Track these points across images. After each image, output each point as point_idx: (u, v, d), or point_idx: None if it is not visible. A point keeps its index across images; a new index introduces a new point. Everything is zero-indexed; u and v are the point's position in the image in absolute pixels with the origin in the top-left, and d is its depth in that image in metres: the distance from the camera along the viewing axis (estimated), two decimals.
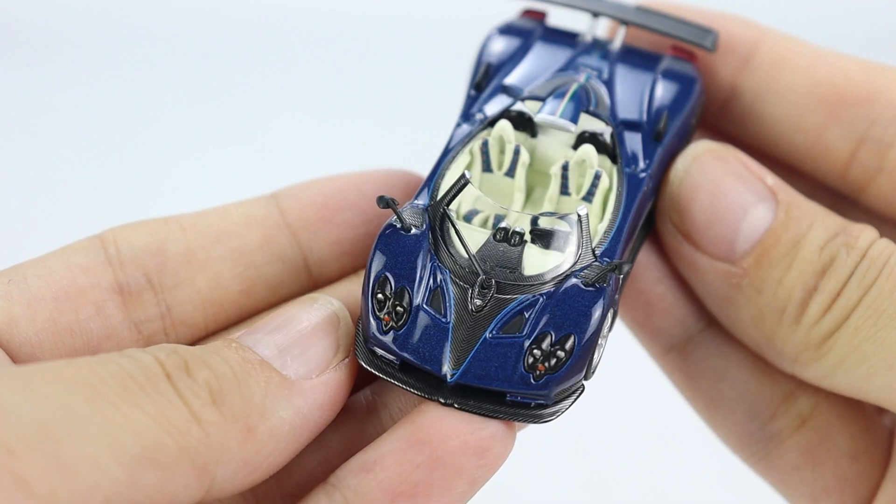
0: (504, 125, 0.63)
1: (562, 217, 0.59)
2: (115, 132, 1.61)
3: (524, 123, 0.64)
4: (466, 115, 0.65)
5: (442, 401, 0.54)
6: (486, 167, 0.64)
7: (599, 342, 0.56)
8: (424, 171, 0.62)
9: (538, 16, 0.72)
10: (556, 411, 0.55)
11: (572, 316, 0.54)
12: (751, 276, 0.60)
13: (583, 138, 0.63)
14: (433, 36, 1.71)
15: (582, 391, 0.56)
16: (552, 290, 0.55)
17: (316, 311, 0.55)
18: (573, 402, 0.56)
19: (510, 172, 0.64)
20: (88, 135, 1.60)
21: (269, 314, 0.56)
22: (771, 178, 0.62)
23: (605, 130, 0.63)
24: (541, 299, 0.55)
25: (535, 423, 0.55)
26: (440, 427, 0.52)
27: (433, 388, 0.54)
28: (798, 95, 0.67)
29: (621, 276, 0.57)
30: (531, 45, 0.69)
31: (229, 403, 0.48)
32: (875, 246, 0.58)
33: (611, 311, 0.57)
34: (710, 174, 0.62)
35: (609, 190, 0.61)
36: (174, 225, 0.60)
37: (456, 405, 0.54)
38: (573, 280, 0.55)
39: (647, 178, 0.61)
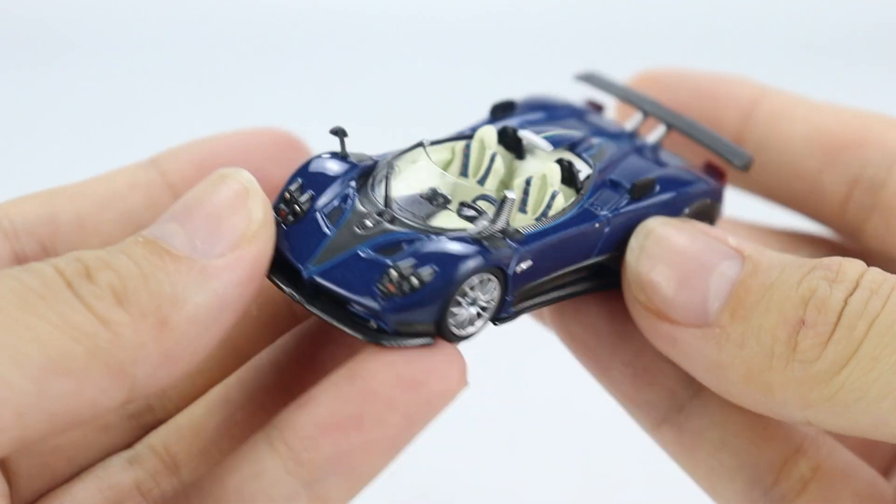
0: (488, 130, 0.64)
1: (493, 200, 0.61)
2: (114, 133, 1.62)
3: (512, 144, 0.66)
4: (471, 130, 0.67)
5: (296, 297, 0.55)
6: (464, 171, 0.65)
7: (471, 307, 0.56)
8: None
9: (597, 108, 0.75)
10: (393, 341, 0.54)
11: (444, 257, 0.54)
12: (729, 331, 0.57)
13: (559, 162, 0.64)
14: (430, 38, 1.71)
15: (430, 343, 0.55)
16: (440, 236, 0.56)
17: (224, 188, 0.55)
18: (414, 345, 0.54)
19: (482, 180, 0.65)
20: (87, 135, 1.61)
21: (178, 199, 0.55)
22: (734, 240, 0.60)
23: (584, 169, 0.63)
24: (424, 238, 0.55)
25: (366, 340, 0.54)
26: (374, 361, 0.53)
27: (295, 285, 0.56)
28: (796, 144, 0.70)
29: (511, 246, 0.57)
30: (569, 112, 0.71)
31: (136, 301, 0.48)
32: (867, 276, 0.56)
33: (498, 284, 0.56)
34: (668, 243, 0.61)
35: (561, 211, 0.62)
36: (61, 195, 0.61)
37: (305, 303, 0.55)
38: (463, 235, 0.56)
39: (605, 220, 0.61)
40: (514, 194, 0.56)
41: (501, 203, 0.56)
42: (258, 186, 0.56)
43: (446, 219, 0.58)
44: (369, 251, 0.55)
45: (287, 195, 0.58)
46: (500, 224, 0.56)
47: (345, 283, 0.55)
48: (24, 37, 1.74)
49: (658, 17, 1.80)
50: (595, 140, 0.66)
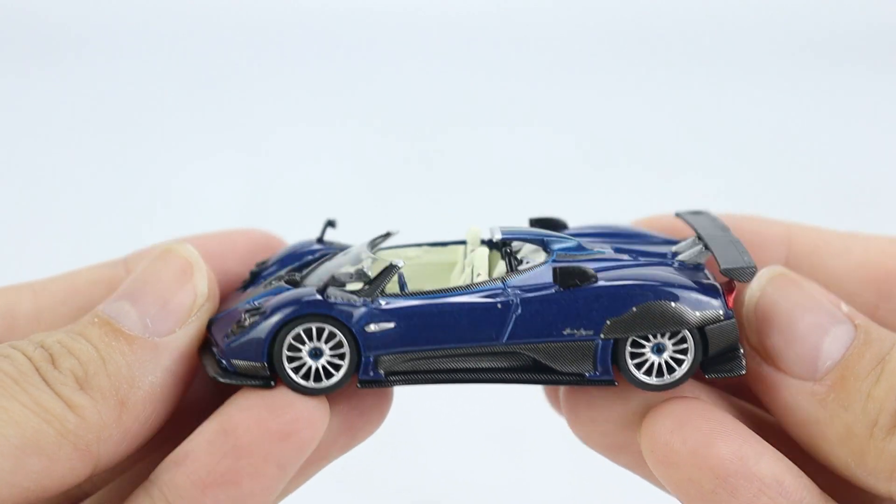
0: (483, 253, 0.64)
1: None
2: (117, 139, 1.62)
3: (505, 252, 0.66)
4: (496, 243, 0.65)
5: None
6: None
7: (315, 359, 0.57)
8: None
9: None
10: (228, 378, 0.57)
11: (277, 303, 0.57)
12: (836, 391, 0.58)
13: (493, 244, 0.64)
14: (430, 44, 1.71)
15: (269, 385, 0.57)
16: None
17: (170, 264, 0.58)
18: (244, 383, 0.57)
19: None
20: (89, 141, 1.61)
21: (129, 277, 0.59)
22: (845, 306, 0.62)
23: (537, 260, 0.62)
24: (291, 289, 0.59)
25: (212, 377, 0.57)
26: (244, 416, 0.54)
27: None
28: (844, 280, 0.68)
29: (360, 303, 0.58)
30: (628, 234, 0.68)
31: (97, 385, 0.53)
32: None
33: (345, 340, 0.57)
34: (787, 294, 0.61)
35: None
36: (26, 290, 0.63)
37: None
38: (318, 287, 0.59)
39: (506, 298, 0.59)
40: (401, 262, 0.58)
41: (386, 269, 0.58)
42: (201, 261, 0.59)
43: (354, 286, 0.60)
44: (252, 301, 0.59)
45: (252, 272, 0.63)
46: (378, 287, 0.58)
47: (217, 328, 0.58)
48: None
49: (659, 19, 1.80)
50: (599, 246, 0.64)
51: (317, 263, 0.63)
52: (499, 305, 0.59)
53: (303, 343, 0.57)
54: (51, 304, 0.62)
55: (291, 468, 0.55)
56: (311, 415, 0.56)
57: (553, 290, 0.59)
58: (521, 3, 1.81)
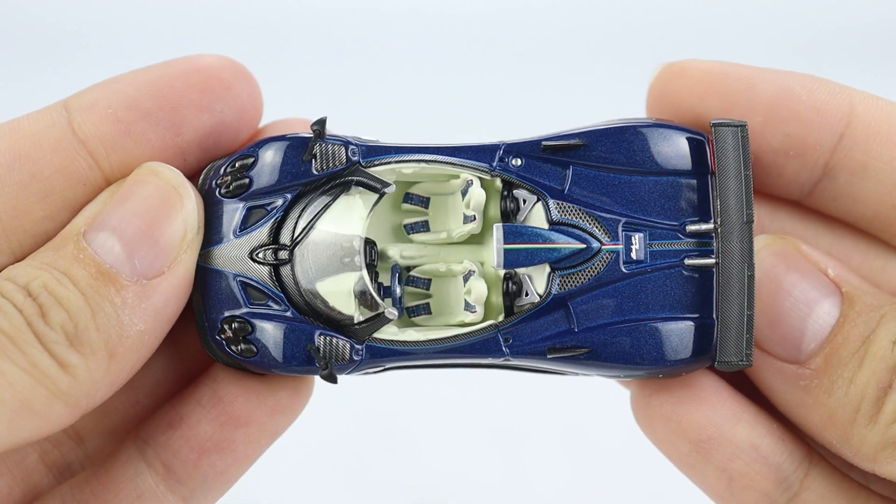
0: (481, 195, 0.60)
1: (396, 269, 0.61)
2: None
3: (510, 206, 0.61)
4: (505, 151, 0.60)
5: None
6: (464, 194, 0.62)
7: None
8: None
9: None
10: (229, 364, 0.58)
11: (265, 347, 0.56)
12: (820, 377, 0.57)
13: (506, 279, 0.60)
14: (431, 39, 1.72)
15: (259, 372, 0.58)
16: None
17: (156, 190, 0.55)
18: (244, 369, 0.58)
19: (466, 220, 0.62)
20: None
21: (115, 195, 0.55)
22: (833, 269, 0.59)
23: (537, 291, 0.59)
24: (280, 309, 0.56)
25: (209, 355, 0.59)
26: (239, 387, 0.56)
27: None
28: (894, 177, 0.62)
29: (349, 362, 0.57)
30: (659, 166, 0.60)
31: (87, 341, 0.51)
32: None
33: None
34: (771, 272, 0.59)
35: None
36: None
37: None
38: (308, 328, 0.57)
39: (500, 356, 0.58)
40: (394, 314, 0.56)
41: (376, 316, 0.56)
42: (189, 186, 0.56)
43: (340, 284, 0.56)
44: (237, 284, 0.56)
45: (234, 166, 0.57)
46: (369, 332, 0.56)
47: (206, 292, 0.56)
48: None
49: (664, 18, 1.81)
50: (609, 247, 0.59)
51: (308, 224, 0.57)
52: (490, 359, 0.59)
53: None
54: None
55: (279, 435, 0.57)
56: (307, 389, 0.57)
57: (545, 355, 0.58)
58: (521, 3, 1.81)
